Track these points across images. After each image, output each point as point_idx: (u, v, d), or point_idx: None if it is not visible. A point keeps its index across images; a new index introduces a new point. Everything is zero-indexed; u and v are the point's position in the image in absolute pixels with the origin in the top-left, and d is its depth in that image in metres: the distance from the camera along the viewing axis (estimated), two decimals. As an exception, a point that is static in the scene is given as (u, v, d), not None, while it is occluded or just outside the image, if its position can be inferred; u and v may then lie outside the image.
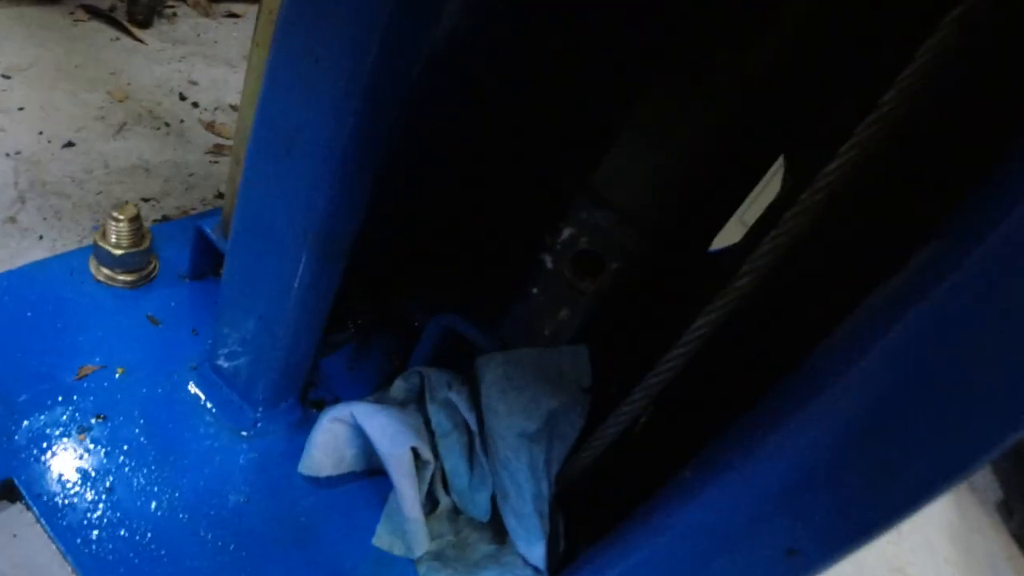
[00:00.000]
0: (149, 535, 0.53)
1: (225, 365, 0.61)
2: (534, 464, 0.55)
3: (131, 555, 0.51)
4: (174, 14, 1.33)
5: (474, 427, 0.58)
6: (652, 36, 0.54)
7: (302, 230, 0.47)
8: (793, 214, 0.40)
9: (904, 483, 0.33)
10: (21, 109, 0.93)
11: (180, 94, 1.09)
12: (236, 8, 1.46)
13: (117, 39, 1.18)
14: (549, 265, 0.55)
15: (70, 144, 0.89)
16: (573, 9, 0.58)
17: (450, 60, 0.53)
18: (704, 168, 0.53)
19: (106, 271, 0.68)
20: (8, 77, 0.98)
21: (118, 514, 0.53)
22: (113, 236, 0.66)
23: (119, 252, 0.66)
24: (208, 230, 0.66)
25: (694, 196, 0.55)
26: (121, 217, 0.65)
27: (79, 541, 0.51)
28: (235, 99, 1.14)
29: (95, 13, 1.22)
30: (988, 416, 0.30)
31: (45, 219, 0.77)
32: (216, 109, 1.09)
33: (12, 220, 0.75)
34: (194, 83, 1.14)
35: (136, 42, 1.19)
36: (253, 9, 1.47)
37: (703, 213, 0.58)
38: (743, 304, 0.43)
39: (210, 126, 1.03)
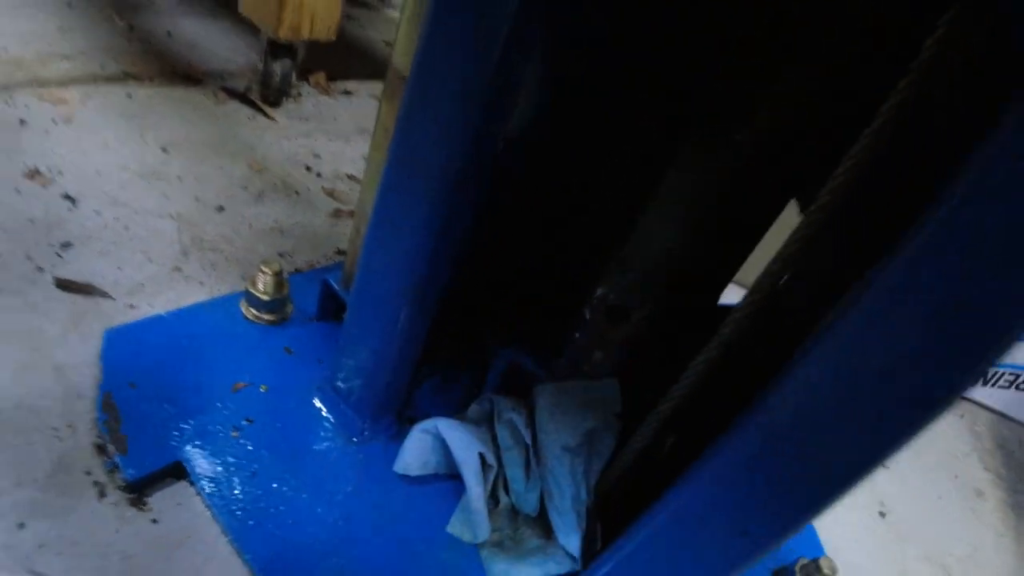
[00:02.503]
0: (281, 509, 0.71)
1: (342, 386, 0.80)
2: (574, 472, 0.70)
3: (266, 522, 0.70)
4: (299, 94, 1.58)
5: (529, 442, 0.74)
6: (665, 130, 0.70)
7: (403, 290, 0.66)
8: (759, 279, 0.54)
9: (822, 476, 0.47)
10: (179, 178, 1.17)
11: (306, 165, 1.32)
12: (350, 86, 1.70)
13: (253, 117, 1.43)
14: (587, 316, 0.71)
15: (220, 208, 1.12)
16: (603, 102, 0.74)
17: (518, 141, 0.69)
18: (714, 235, 0.67)
19: (254, 312, 0.88)
20: (167, 152, 1.23)
21: (258, 492, 0.72)
22: (260, 285, 0.87)
23: (265, 298, 0.87)
24: (332, 283, 0.86)
25: (706, 257, 0.69)
26: (268, 271, 0.86)
27: (229, 510, 0.69)
28: (350, 169, 1.36)
29: (233, 94, 1.48)
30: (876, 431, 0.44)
31: (204, 269, 0.99)
32: (336, 178, 1.31)
33: (179, 269, 0.98)
34: (317, 155, 1.36)
35: (269, 120, 1.44)
36: (365, 87, 1.72)
37: (714, 267, 0.73)
38: (729, 348, 0.58)
39: (330, 193, 1.25)
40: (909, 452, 0.44)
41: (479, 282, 0.82)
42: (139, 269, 0.95)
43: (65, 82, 1.37)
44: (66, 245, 0.95)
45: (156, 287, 0.93)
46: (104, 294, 0.89)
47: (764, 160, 0.61)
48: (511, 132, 0.66)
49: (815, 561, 0.84)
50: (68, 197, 1.03)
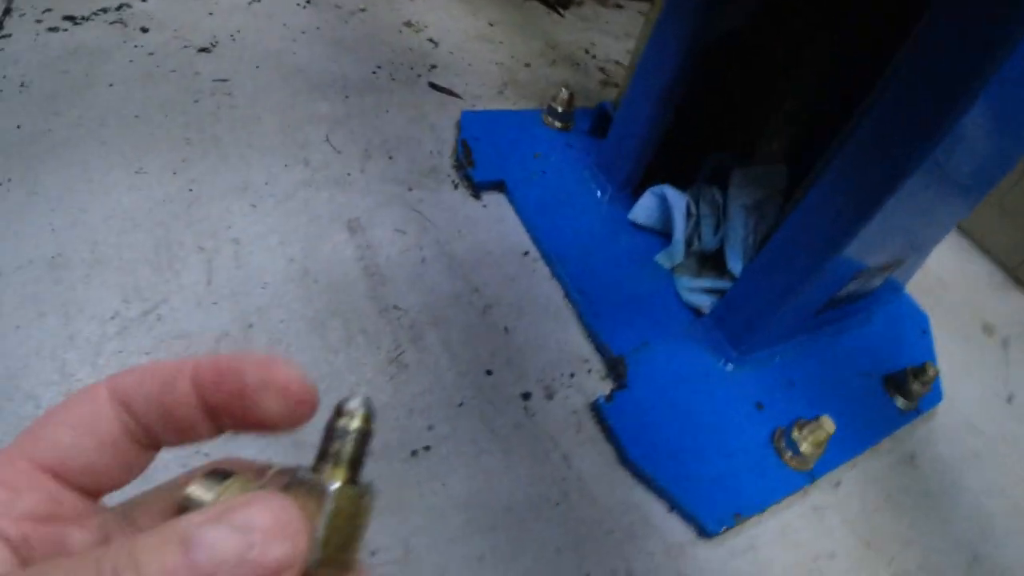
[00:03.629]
0: (554, 219, 1.12)
1: (600, 164, 1.20)
2: (746, 223, 1.05)
3: (544, 222, 1.11)
4: (581, 3, 2.00)
5: (721, 206, 1.09)
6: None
7: (651, 106, 1.03)
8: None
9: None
10: (501, 42, 1.62)
11: (585, 49, 1.73)
12: (622, 1, 2.08)
13: (548, 14, 1.87)
14: (768, 128, 1.05)
15: (527, 65, 1.56)
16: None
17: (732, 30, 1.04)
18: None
19: (550, 119, 1.31)
20: (492, 25, 1.69)
21: (543, 206, 1.14)
22: (558, 100, 1.29)
23: (560, 109, 1.29)
24: (607, 105, 1.26)
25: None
26: (565, 92, 1.28)
27: (527, 210, 1.12)
28: (617, 57, 1.75)
29: (534, -3, 1.93)
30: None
31: (516, 97, 1.44)
32: (606, 61, 1.71)
33: (501, 93, 1.43)
34: (593, 44, 1.77)
35: (559, 17, 1.86)
36: (634, 5, 2.08)
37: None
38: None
39: (601, 68, 1.66)
40: None
41: (698, 118, 1.17)
42: (477, 88, 1.41)
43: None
44: (433, 67, 1.43)
45: (488, 100, 1.39)
46: (457, 96, 1.37)
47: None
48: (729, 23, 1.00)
49: (923, 365, 1.10)
50: (432, 40, 1.53)
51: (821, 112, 1.03)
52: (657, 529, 0.82)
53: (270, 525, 0.19)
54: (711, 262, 1.10)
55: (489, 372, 0.90)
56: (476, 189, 1.15)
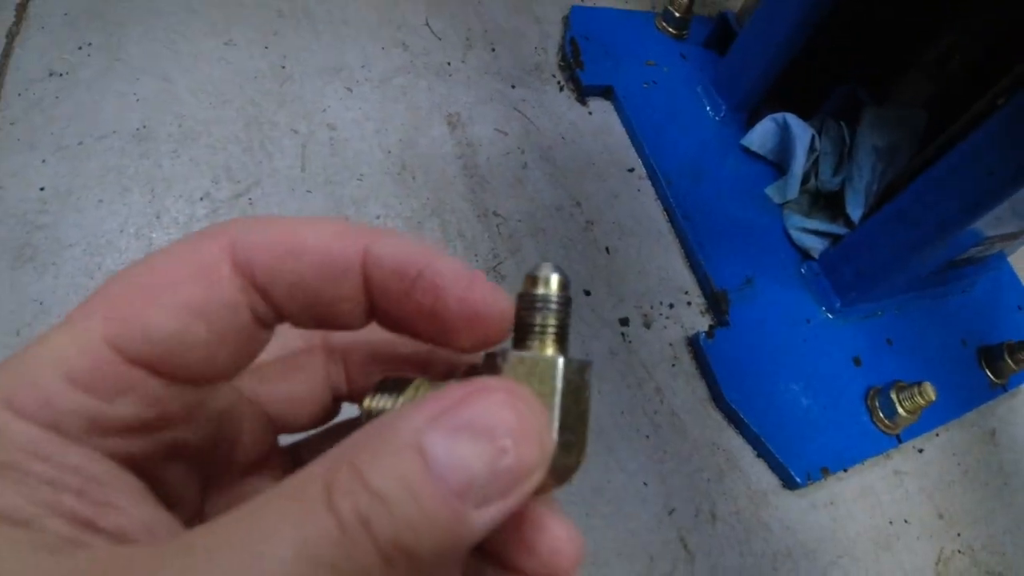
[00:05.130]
0: (662, 133, 1.06)
1: (717, 80, 1.12)
2: (874, 166, 0.98)
3: (651, 132, 1.05)
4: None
5: (847, 144, 1.02)
6: None
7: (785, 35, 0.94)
8: None
9: None
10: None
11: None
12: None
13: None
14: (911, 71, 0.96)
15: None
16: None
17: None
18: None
19: (664, 24, 1.21)
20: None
21: (651, 118, 1.07)
22: (676, 10, 1.19)
23: (677, 15, 1.19)
24: (729, 15, 1.16)
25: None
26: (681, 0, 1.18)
27: (636, 118, 1.05)
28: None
29: None
30: None
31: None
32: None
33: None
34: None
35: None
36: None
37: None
38: None
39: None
40: None
41: (833, 44, 1.07)
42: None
43: None
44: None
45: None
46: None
47: None
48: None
49: (1021, 342, 1.05)
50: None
51: (979, 62, 0.94)
52: (743, 474, 0.80)
53: (514, 423, 0.16)
54: (823, 201, 1.04)
55: (588, 292, 0.86)
56: (582, 93, 1.08)
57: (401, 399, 0.21)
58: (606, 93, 1.09)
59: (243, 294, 0.18)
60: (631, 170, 1.02)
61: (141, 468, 0.18)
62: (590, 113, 1.07)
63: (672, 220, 0.97)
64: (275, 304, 0.19)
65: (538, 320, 0.20)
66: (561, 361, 0.19)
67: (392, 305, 0.20)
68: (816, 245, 0.97)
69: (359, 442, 0.15)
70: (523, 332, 0.20)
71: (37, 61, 0.87)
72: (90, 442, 0.16)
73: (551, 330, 0.20)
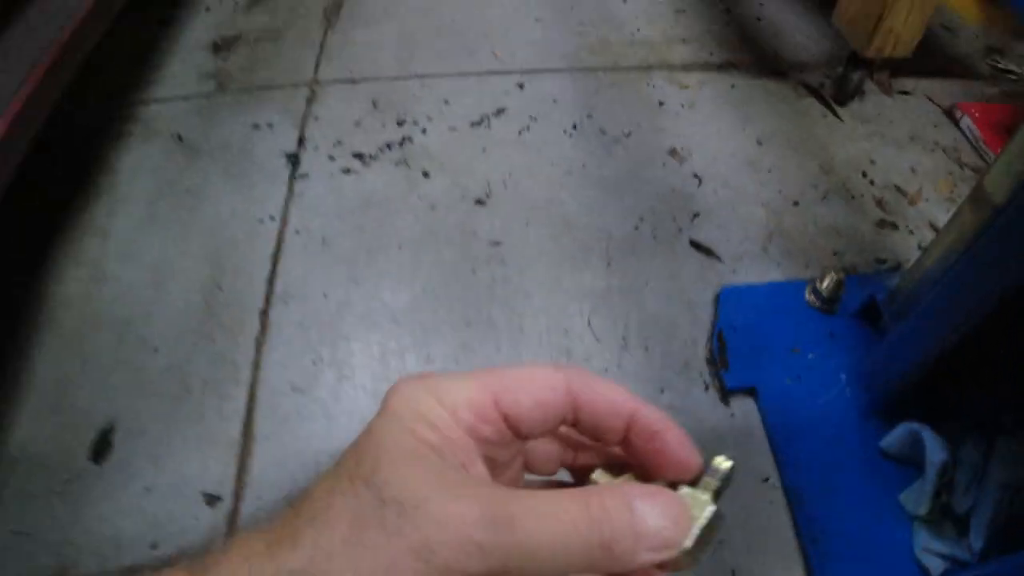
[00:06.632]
0: (804, 441, 1.10)
1: (861, 371, 1.14)
2: (1000, 502, 0.95)
3: (792, 447, 1.09)
4: (863, 91, 1.83)
5: (980, 468, 1.00)
6: None
7: (948, 332, 0.95)
8: None
9: None
10: (768, 170, 1.56)
11: (862, 171, 1.60)
12: (907, 84, 1.85)
13: (824, 115, 1.73)
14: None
15: (796, 203, 1.49)
16: None
17: None
18: None
19: (814, 299, 1.25)
20: (760, 144, 1.62)
21: (792, 424, 1.11)
22: (825, 283, 1.23)
23: (825, 294, 1.23)
24: (879, 300, 1.18)
25: None
26: (834, 276, 1.22)
27: (776, 426, 1.10)
28: (898, 180, 1.59)
29: (810, 90, 1.79)
30: None
31: (781, 253, 1.39)
32: (884, 187, 1.57)
33: (765, 250, 1.39)
34: (873, 161, 1.63)
35: (837, 120, 1.73)
36: (921, 85, 1.85)
37: None
38: None
39: (879, 202, 1.53)
40: None
41: (985, 353, 1.05)
42: (739, 243, 1.39)
43: (686, 66, 1.84)
44: (695, 215, 1.42)
45: (750, 260, 1.36)
46: (718, 258, 1.35)
47: None
48: None
49: None
50: (696, 176, 1.51)
51: None
52: None
53: (677, 516, 0.29)
54: (954, 520, 1.03)
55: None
56: (726, 394, 1.15)
57: (617, 480, 0.35)
58: (750, 392, 1.16)
59: (564, 409, 0.33)
60: (766, 480, 1.07)
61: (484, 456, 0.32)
62: (732, 415, 1.14)
63: (799, 539, 1.01)
64: (576, 420, 0.33)
65: (708, 479, 0.32)
66: (713, 507, 0.31)
67: (633, 452, 0.35)
68: (938, 566, 0.97)
69: (608, 489, 0.30)
70: (698, 481, 0.33)
71: (280, 375, 1.13)
72: (469, 437, 0.31)
73: (713, 487, 0.32)
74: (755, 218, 1.44)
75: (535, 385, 0.32)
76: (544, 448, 0.37)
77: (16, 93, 1.09)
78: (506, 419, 0.31)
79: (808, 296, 1.27)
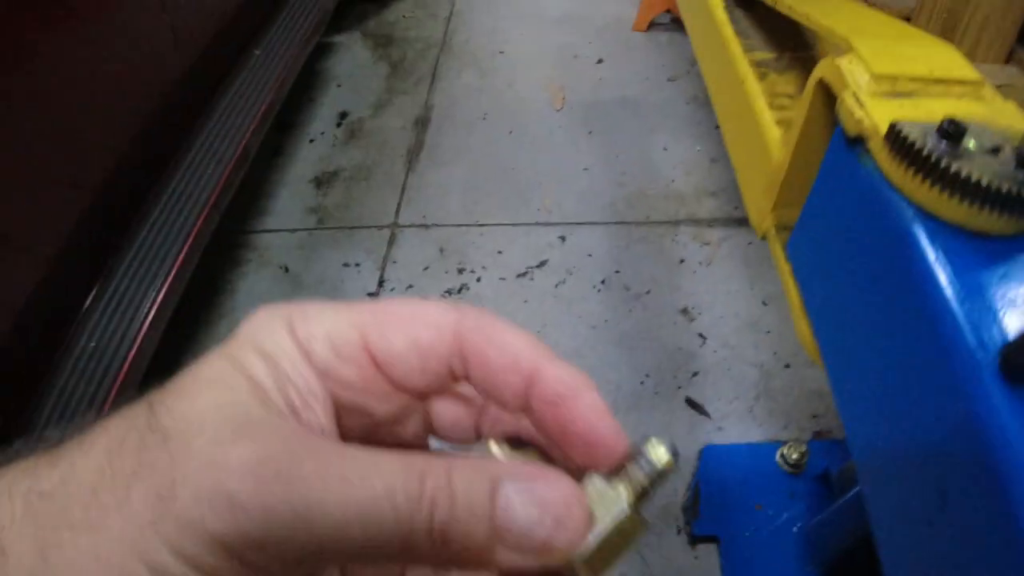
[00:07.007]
0: (761, 589, 1.34)
1: (810, 538, 1.38)
2: None
3: (752, 593, 1.33)
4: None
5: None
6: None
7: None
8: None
9: None
10: (768, 332, 1.81)
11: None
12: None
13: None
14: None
15: (787, 366, 1.74)
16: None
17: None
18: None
19: (783, 462, 1.50)
20: (765, 304, 1.87)
21: None
22: (793, 453, 1.48)
23: (793, 459, 1.48)
24: (832, 469, 1.42)
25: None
26: (799, 449, 1.46)
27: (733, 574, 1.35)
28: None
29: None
30: None
31: (765, 414, 1.63)
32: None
33: (751, 410, 1.64)
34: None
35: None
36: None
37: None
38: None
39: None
40: None
41: None
42: (729, 403, 1.65)
43: (711, 222, 2.09)
44: (694, 374, 1.70)
45: (736, 418, 1.61)
46: (707, 415, 1.62)
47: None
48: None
49: None
50: (701, 336, 1.78)
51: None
52: None
53: (562, 513, 0.23)
54: None
55: None
56: (694, 540, 1.42)
57: (514, 454, 0.28)
58: (713, 539, 1.41)
59: (450, 359, 0.27)
60: (722, 623, 1.32)
61: (339, 405, 0.26)
62: (696, 558, 1.40)
63: None
64: (468, 373, 0.27)
65: (634, 473, 0.25)
66: (624, 508, 0.24)
67: (538, 419, 0.28)
68: None
69: (468, 460, 0.24)
70: (617, 472, 0.25)
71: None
72: (322, 377, 0.25)
73: (638, 486, 0.25)
74: (747, 379, 1.70)
75: (415, 323, 0.26)
76: (448, 409, 0.30)
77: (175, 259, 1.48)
78: (376, 362, 0.26)
79: (778, 458, 1.52)
